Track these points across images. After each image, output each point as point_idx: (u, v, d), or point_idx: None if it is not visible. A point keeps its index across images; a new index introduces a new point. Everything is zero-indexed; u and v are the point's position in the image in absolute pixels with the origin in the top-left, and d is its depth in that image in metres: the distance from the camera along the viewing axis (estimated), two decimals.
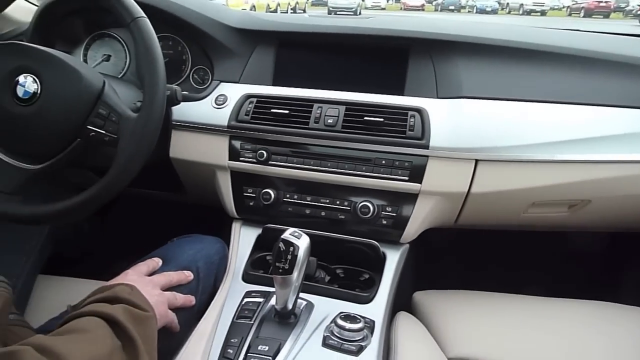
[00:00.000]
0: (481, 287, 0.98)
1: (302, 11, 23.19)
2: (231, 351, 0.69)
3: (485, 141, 0.89)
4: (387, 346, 0.77)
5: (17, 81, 0.79)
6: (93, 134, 0.79)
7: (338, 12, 21.17)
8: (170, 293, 0.77)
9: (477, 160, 0.89)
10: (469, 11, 28.51)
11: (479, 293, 0.97)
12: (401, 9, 28.80)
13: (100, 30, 1.14)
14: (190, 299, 0.80)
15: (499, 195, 0.92)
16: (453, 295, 0.97)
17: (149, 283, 0.74)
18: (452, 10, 27.63)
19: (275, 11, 18.52)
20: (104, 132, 0.79)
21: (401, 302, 0.93)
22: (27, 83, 0.79)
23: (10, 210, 0.80)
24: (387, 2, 31.78)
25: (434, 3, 30.73)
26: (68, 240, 1.12)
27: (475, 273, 1.18)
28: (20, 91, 0.79)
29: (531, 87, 0.94)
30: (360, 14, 21.75)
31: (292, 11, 21.34)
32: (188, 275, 0.82)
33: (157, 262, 0.83)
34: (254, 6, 16.05)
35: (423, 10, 28.32)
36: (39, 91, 0.78)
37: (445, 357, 0.80)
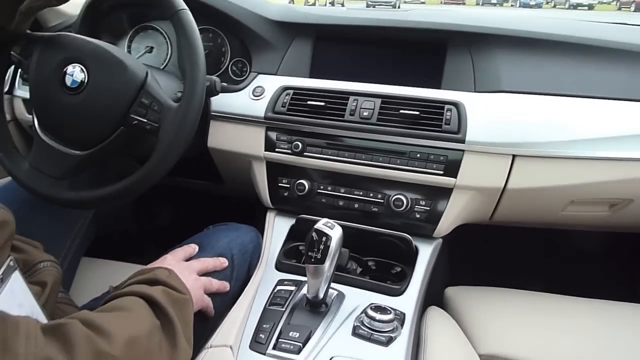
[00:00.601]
0: (515, 286, 0.96)
1: (340, 4, 23.13)
2: (263, 336, 0.71)
3: (523, 136, 0.87)
4: (417, 339, 0.77)
5: (66, 71, 0.83)
6: (136, 122, 0.82)
7: (377, 6, 21.02)
8: (206, 278, 0.79)
9: (514, 156, 0.88)
10: (512, 5, 27.72)
11: (513, 291, 0.95)
12: (442, 2, 28.30)
13: (143, 23, 1.18)
14: (224, 285, 0.83)
15: (536, 192, 0.90)
16: (485, 291, 0.95)
17: (187, 268, 0.76)
18: (495, 4, 26.94)
19: (313, 4, 18.54)
20: (146, 120, 0.82)
21: (433, 298, 0.93)
22: (75, 73, 0.83)
23: (58, 194, 0.84)
24: None
25: None
26: (110, 225, 1.17)
27: (509, 271, 1.16)
28: (68, 80, 0.83)
29: (572, 82, 0.91)
30: (399, 7, 21.52)
31: (330, 4, 21.30)
32: (223, 262, 0.85)
33: (193, 248, 0.86)
34: (292, 0, 16.16)
35: (464, 4, 27.74)
36: (86, 80, 0.82)
37: (475, 354, 0.80)
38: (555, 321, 0.86)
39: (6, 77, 0.95)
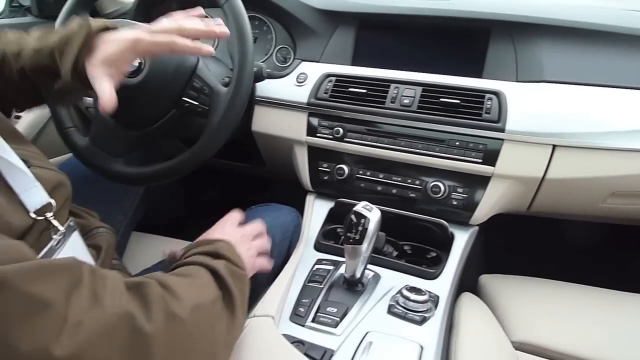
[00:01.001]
0: (551, 276, 0.96)
1: None
2: (302, 309, 0.75)
3: (564, 127, 0.87)
4: (450, 323, 0.80)
5: None
6: (187, 105, 0.87)
7: None
8: (263, 260, 0.80)
9: (554, 146, 0.88)
10: None
11: (547, 281, 0.96)
12: None
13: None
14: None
15: (575, 183, 0.90)
16: (520, 280, 0.96)
17: (243, 239, 0.76)
18: None
19: None
20: (197, 103, 0.87)
21: (467, 284, 0.94)
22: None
23: (114, 169, 0.90)
24: None
25: None
26: (158, 202, 1.23)
27: (545, 261, 1.15)
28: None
29: (615, 73, 0.90)
30: None
31: None
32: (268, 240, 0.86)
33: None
34: None
35: None
36: (142, 66, 0.87)
37: (507, 340, 0.81)
38: (589, 312, 0.87)
39: None
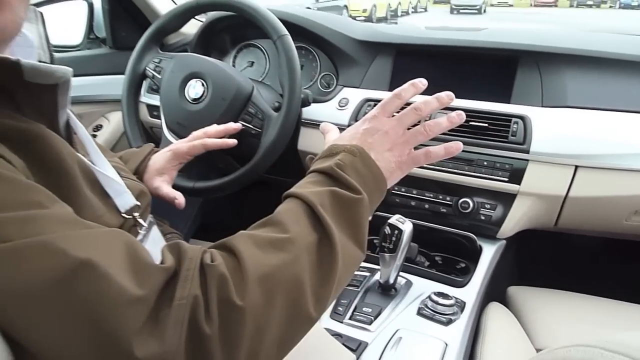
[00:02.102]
0: (580, 290, 1.02)
1: (423, 9, 22.84)
2: (341, 309, 0.85)
3: (586, 149, 0.94)
4: (476, 329, 0.87)
5: (189, 85, 1.03)
6: (243, 127, 1.00)
7: (461, 10, 20.54)
8: (421, 152, 0.67)
9: (577, 166, 0.95)
10: (610, 6, 25.89)
11: (575, 294, 1.01)
12: (531, 5, 27.03)
13: (244, 42, 1.37)
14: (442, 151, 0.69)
15: (597, 201, 0.97)
16: (548, 293, 1.02)
17: (390, 140, 0.64)
18: (590, 6, 25.28)
19: (396, 11, 18.47)
20: (251, 126, 1.00)
21: (496, 295, 1.01)
22: (197, 86, 1.02)
23: (179, 182, 1.03)
24: None
25: None
26: (212, 211, 1.37)
27: (574, 276, 1.21)
28: (192, 93, 1.02)
29: (635, 98, 0.97)
30: (485, 11, 20.88)
31: (413, 10, 21.09)
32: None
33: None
34: (374, 6, 16.21)
35: (556, 6, 26.28)
36: (205, 93, 1.01)
37: (532, 347, 0.88)
38: (613, 324, 0.92)
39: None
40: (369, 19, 16.00)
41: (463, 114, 0.68)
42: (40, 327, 0.37)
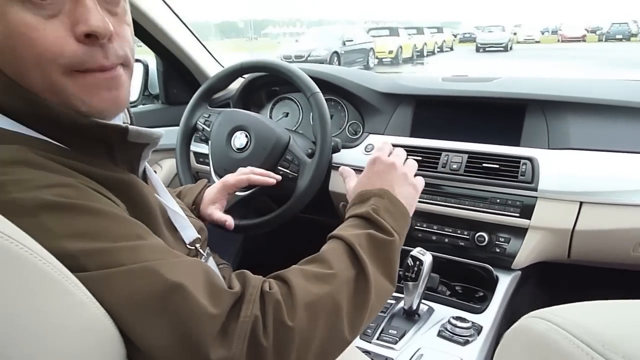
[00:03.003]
0: None
1: (449, 49, 23.17)
2: (369, 331, 0.96)
3: (589, 186, 1.05)
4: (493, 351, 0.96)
5: (235, 136, 1.19)
6: (281, 173, 1.15)
7: (487, 48, 20.75)
8: (419, 178, 0.82)
9: (581, 202, 1.05)
10: None
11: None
12: (558, 41, 27.05)
13: (278, 96, 1.54)
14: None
15: (603, 234, 1.06)
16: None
17: (402, 174, 0.78)
18: (620, 40, 25.10)
19: (422, 51, 18.82)
20: (288, 172, 1.15)
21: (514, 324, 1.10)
22: (241, 137, 1.18)
23: None
24: (542, 34, 30.08)
25: (598, 33, 28.27)
26: (253, 248, 1.51)
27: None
28: (237, 143, 1.18)
29: (634, 140, 1.07)
30: (511, 48, 21.02)
31: (439, 49, 21.41)
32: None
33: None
34: (400, 47, 16.61)
35: (584, 41, 26.20)
36: (249, 143, 1.16)
37: None
38: None
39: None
40: (395, 60, 16.35)
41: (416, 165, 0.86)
42: (144, 329, 0.50)
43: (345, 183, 0.87)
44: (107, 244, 0.51)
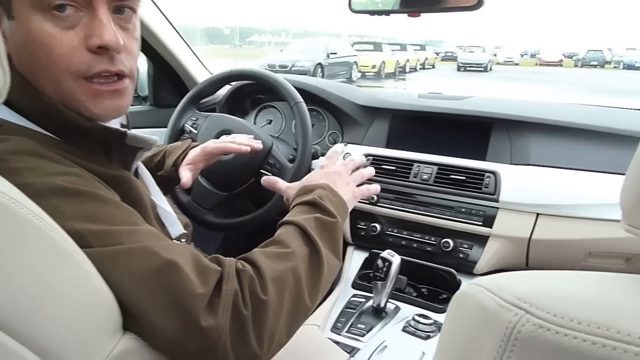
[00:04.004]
0: None
1: (431, 66, 23.62)
2: (339, 325, 1.04)
3: (545, 200, 1.15)
4: None
5: (221, 139, 1.26)
6: (264, 176, 1.22)
7: (467, 68, 21.24)
8: (363, 187, 0.97)
9: (538, 214, 1.15)
10: (614, 67, 26.59)
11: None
12: (536, 64, 27.84)
13: (262, 104, 1.62)
14: (377, 188, 1.04)
15: (556, 243, 1.16)
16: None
17: (343, 177, 0.92)
18: (595, 66, 25.97)
19: (404, 67, 19.11)
20: (270, 175, 1.22)
21: None
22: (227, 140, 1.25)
23: (208, 219, 1.25)
24: (521, 57, 30.88)
25: (574, 58, 29.18)
26: (232, 250, 1.57)
27: None
28: None
29: (590, 159, 1.17)
30: (490, 69, 21.57)
31: (421, 67, 21.81)
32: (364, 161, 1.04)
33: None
34: (383, 62, 16.88)
35: (561, 65, 27.02)
36: None
37: None
38: None
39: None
40: (378, 75, 16.60)
41: (372, 170, 1.04)
42: (143, 300, 0.57)
43: (277, 187, 0.99)
44: (110, 227, 0.57)
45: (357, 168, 1.00)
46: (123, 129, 0.67)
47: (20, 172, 0.55)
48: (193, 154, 1.08)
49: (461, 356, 0.32)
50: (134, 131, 0.68)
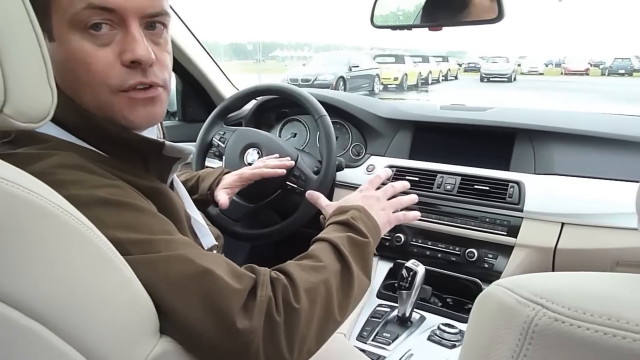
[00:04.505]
0: None
1: (453, 77, 23.50)
2: (365, 334, 1.05)
3: (570, 209, 1.15)
4: None
5: (248, 152, 1.30)
6: (289, 187, 1.25)
7: (491, 78, 21.05)
8: (400, 214, 0.94)
9: (563, 223, 1.15)
10: None
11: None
12: (562, 73, 27.42)
13: (287, 118, 1.66)
14: (416, 215, 0.97)
15: (582, 253, 1.15)
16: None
17: (380, 202, 0.91)
18: (623, 74, 25.43)
19: (426, 79, 19.11)
20: (296, 186, 1.25)
21: None
22: (254, 154, 1.29)
23: (236, 230, 1.29)
24: (546, 67, 30.45)
25: (601, 67, 28.65)
26: (258, 260, 1.60)
27: None
28: (249, 159, 1.29)
29: (613, 168, 1.17)
30: (515, 79, 21.33)
31: (443, 78, 21.71)
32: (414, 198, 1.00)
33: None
34: (405, 74, 16.90)
35: (587, 74, 26.55)
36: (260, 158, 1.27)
37: None
38: None
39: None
40: (400, 87, 16.61)
41: (415, 197, 0.99)
42: (180, 304, 0.60)
43: (319, 203, 1.00)
44: (148, 236, 0.61)
45: (399, 194, 0.98)
46: (161, 140, 0.71)
47: (66, 184, 0.59)
48: (229, 179, 1.15)
49: (484, 350, 0.34)
50: (171, 142, 0.72)
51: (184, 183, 1.12)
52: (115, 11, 0.62)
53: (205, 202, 1.12)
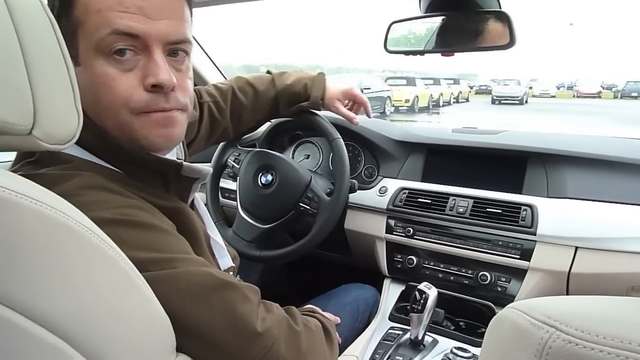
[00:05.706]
0: None
1: (465, 100, 23.57)
2: (377, 356, 1.05)
3: (583, 232, 1.14)
4: None
5: (262, 174, 1.32)
6: (302, 209, 1.26)
7: (502, 101, 21.08)
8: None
9: (577, 247, 1.15)
10: None
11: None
12: (574, 96, 27.35)
13: (300, 139, 1.68)
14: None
15: (597, 277, 1.14)
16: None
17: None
18: (636, 97, 25.29)
19: (437, 101, 19.16)
20: (309, 208, 1.26)
21: None
22: (268, 175, 1.31)
23: (249, 251, 1.30)
24: (558, 89, 30.41)
25: (613, 90, 28.54)
26: (270, 281, 1.61)
27: None
28: (263, 180, 1.31)
29: (627, 192, 1.17)
30: (526, 102, 21.32)
31: (454, 100, 21.78)
32: (336, 319, 1.13)
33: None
34: (417, 96, 17.00)
35: (600, 97, 26.46)
36: (274, 180, 1.29)
37: None
38: None
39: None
40: (411, 109, 16.67)
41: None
42: (200, 316, 0.62)
43: None
44: (167, 255, 0.63)
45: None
46: (179, 160, 0.73)
47: (88, 205, 0.61)
48: (337, 92, 1.31)
49: None
50: (189, 163, 0.74)
51: (288, 87, 1.29)
52: (139, 37, 0.65)
53: (310, 108, 1.31)
